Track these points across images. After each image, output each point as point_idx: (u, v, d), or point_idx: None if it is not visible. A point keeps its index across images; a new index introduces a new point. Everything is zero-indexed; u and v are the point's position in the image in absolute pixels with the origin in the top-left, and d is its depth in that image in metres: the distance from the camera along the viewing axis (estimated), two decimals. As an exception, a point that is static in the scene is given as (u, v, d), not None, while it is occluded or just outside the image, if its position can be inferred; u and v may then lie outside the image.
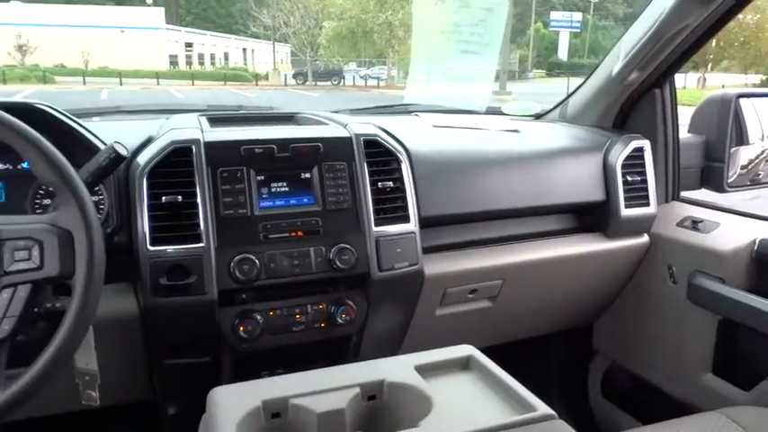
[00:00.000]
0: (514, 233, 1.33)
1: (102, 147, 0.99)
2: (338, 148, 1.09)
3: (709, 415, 1.03)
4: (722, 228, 1.30)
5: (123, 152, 0.87)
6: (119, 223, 1.00)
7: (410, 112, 1.61)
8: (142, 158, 0.99)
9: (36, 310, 0.77)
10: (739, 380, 1.23)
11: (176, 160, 0.99)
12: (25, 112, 0.79)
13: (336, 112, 1.45)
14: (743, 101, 1.47)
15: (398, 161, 1.13)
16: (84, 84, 18.57)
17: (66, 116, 1.02)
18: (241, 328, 1.02)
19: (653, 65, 1.33)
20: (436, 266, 1.19)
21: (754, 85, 19.10)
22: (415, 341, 1.25)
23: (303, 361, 1.05)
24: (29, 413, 1.03)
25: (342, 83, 21.16)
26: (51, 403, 1.05)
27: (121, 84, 18.35)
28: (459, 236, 1.28)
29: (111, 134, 1.05)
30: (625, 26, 1.40)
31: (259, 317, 1.03)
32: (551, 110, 1.66)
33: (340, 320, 1.07)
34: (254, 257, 1.00)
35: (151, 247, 0.96)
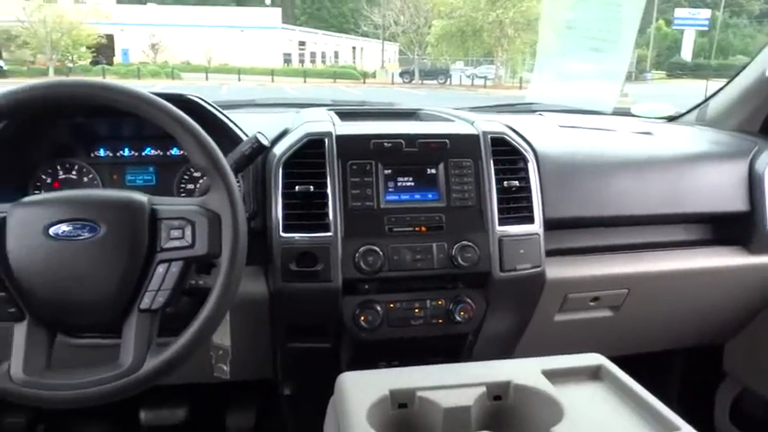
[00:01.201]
0: (644, 241, 1.25)
1: (243, 137, 1.05)
2: (465, 145, 1.09)
3: None
4: None
5: (265, 142, 0.92)
6: (254, 210, 1.06)
7: (533, 111, 1.58)
8: (278, 149, 1.04)
9: (185, 285, 0.83)
10: None
11: (310, 152, 1.03)
12: (180, 102, 0.86)
13: (458, 109, 1.45)
14: None
15: (525, 160, 1.11)
16: (207, 80, 19.89)
17: (215, 107, 1.09)
18: (362, 318, 1.05)
19: None
20: (559, 270, 1.15)
21: None
22: (530, 346, 1.22)
23: (418, 355, 1.06)
24: (163, 381, 1.12)
25: (448, 82, 21.09)
26: (185, 373, 1.14)
27: (239, 80, 19.45)
28: (584, 240, 1.23)
29: (248, 126, 1.11)
30: (761, 24, 1.28)
31: (379, 308, 1.05)
32: (687, 112, 1.56)
33: (458, 318, 1.07)
34: (378, 249, 1.02)
35: (283, 234, 1.00)
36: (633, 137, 1.34)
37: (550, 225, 1.14)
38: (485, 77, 20.95)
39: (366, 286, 1.06)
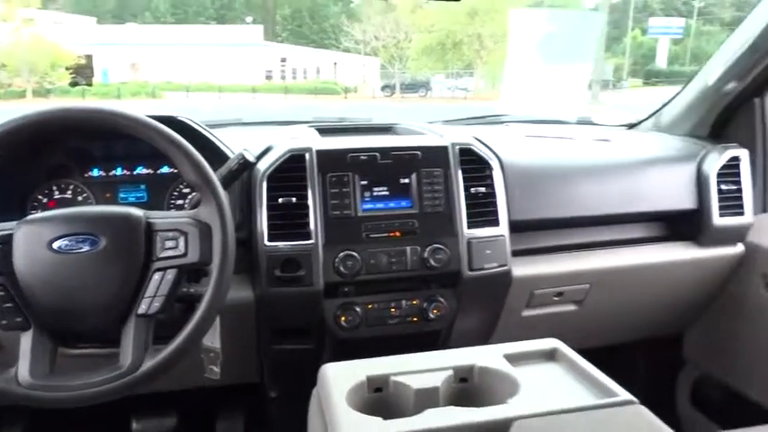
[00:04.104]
0: (604, 239, 1.36)
1: (230, 154, 1.14)
2: (435, 156, 1.18)
3: None
4: None
5: (251, 158, 1.01)
6: (241, 221, 1.14)
7: (502, 123, 1.68)
8: (263, 164, 1.13)
9: (177, 292, 0.90)
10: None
11: (292, 166, 1.12)
12: (172, 124, 0.94)
13: (431, 123, 1.55)
14: None
15: (490, 168, 1.20)
16: (188, 98, 19.88)
17: (203, 127, 1.18)
18: (342, 318, 1.13)
19: (752, 75, 1.32)
20: (524, 269, 1.24)
21: None
22: (500, 340, 1.30)
23: (396, 352, 1.14)
24: (156, 387, 1.19)
25: (429, 94, 21.31)
26: (176, 378, 1.21)
27: (220, 98, 19.48)
28: (548, 240, 1.32)
29: (234, 143, 1.20)
30: (732, 31, 1.40)
31: (358, 309, 1.14)
32: (645, 119, 1.67)
33: (431, 316, 1.16)
34: (356, 254, 1.11)
35: (268, 243, 1.09)
36: (593, 144, 1.45)
37: (517, 227, 1.23)
38: (465, 89, 21.20)
39: (346, 289, 1.14)
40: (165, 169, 1.23)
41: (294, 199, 1.11)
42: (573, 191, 1.29)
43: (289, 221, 1.10)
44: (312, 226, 1.10)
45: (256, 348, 1.23)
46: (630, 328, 1.51)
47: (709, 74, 1.40)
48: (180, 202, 1.23)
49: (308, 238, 1.10)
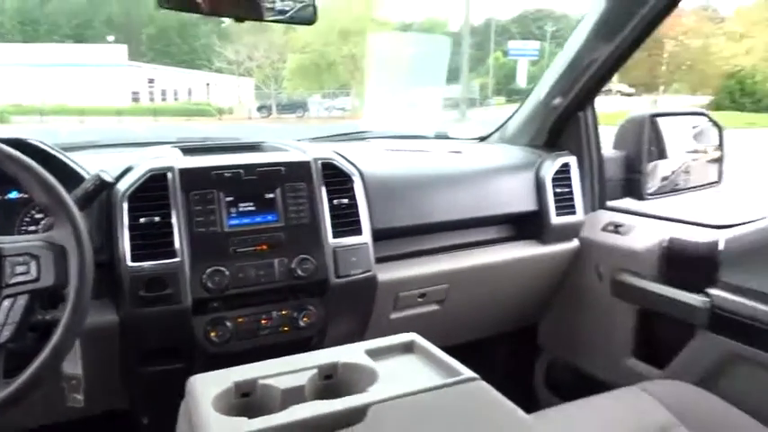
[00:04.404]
0: (459, 242, 1.48)
1: (86, 176, 1.11)
2: (299, 171, 1.24)
3: (626, 389, 1.19)
4: (638, 230, 1.48)
5: (108, 179, 1.00)
6: (99, 244, 1.12)
7: (365, 139, 1.77)
8: (122, 185, 1.12)
9: (30, 319, 0.87)
10: (656, 360, 1.40)
11: (153, 185, 1.12)
12: (19, 146, 0.91)
13: (299, 140, 1.60)
14: (659, 120, 1.68)
15: (352, 181, 1.28)
16: (42, 122, 18.32)
17: (55, 149, 1.14)
18: (212, 334, 1.14)
19: (573, 91, 1.52)
20: (388, 273, 1.33)
21: (702, 106, 20.03)
22: None
23: None
24: (14, 423, 1.12)
25: (306, 115, 21.39)
26: (38, 413, 1.15)
27: (83, 121, 18.17)
28: (409, 246, 1.42)
29: (92, 166, 1.17)
30: None
31: (229, 323, 1.16)
32: (493, 133, 1.84)
33: (302, 324, 1.21)
34: (224, 269, 1.13)
35: (131, 264, 1.08)
36: (447, 156, 1.58)
37: (380, 235, 1.32)
38: (342, 109, 21.54)
39: (215, 304, 1.15)
40: (14, 194, 1.17)
41: (157, 218, 1.11)
42: (429, 199, 1.40)
43: (152, 241, 1.10)
44: (177, 244, 1.11)
45: (124, 373, 1.20)
46: (490, 322, 1.65)
47: (541, 91, 1.60)
48: (33, 228, 1.17)
49: (174, 256, 1.10)
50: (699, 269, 1.31)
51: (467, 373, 0.83)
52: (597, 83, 1.51)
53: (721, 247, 1.29)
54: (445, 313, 1.47)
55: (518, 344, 1.79)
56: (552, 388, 1.75)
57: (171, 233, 1.11)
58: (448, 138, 1.87)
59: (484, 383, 0.81)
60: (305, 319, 1.21)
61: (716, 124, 1.69)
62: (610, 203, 1.67)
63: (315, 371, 0.86)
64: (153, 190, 1.12)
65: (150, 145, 1.44)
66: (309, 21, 1.13)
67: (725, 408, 1.18)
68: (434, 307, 1.45)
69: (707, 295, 1.27)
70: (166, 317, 1.10)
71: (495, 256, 1.48)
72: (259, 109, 22.15)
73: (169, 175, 1.13)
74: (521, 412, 0.77)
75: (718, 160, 1.70)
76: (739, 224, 1.31)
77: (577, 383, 1.70)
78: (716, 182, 1.70)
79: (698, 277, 1.31)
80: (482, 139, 1.87)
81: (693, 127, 1.74)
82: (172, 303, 1.09)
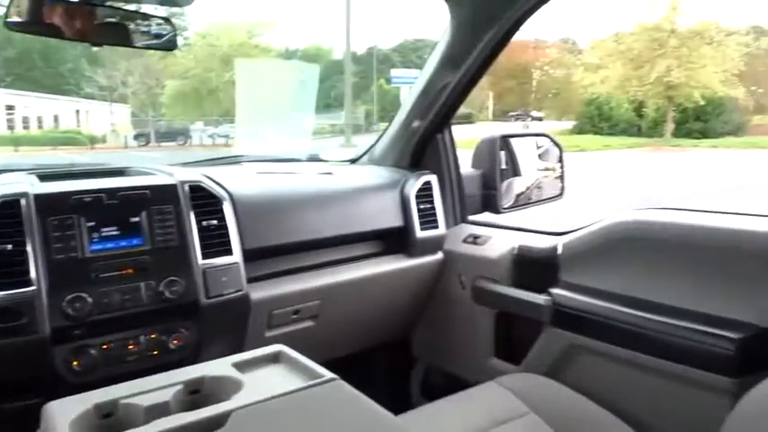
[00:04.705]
0: (331, 259, 1.54)
1: None
2: (165, 194, 1.24)
3: (484, 385, 1.31)
4: (493, 240, 1.63)
5: None
6: None
7: (238, 163, 1.80)
8: None
9: None
10: (513, 358, 1.54)
11: (5, 213, 1.08)
12: None
13: (171, 165, 1.60)
14: (512, 140, 1.86)
15: (221, 203, 1.30)
16: None
17: None
18: (74, 363, 1.11)
19: (431, 115, 1.66)
20: (261, 292, 1.36)
21: (567, 130, 21.97)
22: None
23: None
24: None
25: (188, 142, 20.66)
26: None
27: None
28: (282, 265, 1.46)
29: None
30: None
31: (93, 351, 1.13)
32: (363, 155, 1.94)
33: (172, 346, 1.20)
34: (85, 295, 1.10)
35: None
36: (317, 177, 1.65)
37: (252, 255, 1.35)
38: (226, 136, 21.07)
39: (77, 332, 1.12)
40: None
41: (10, 246, 1.06)
42: (300, 218, 1.45)
43: (5, 270, 1.05)
44: (33, 272, 1.07)
45: None
46: (365, 335, 1.72)
47: (403, 115, 1.72)
48: None
49: (29, 284, 1.06)
50: (543, 271, 1.47)
51: (327, 374, 0.88)
52: (451, 107, 1.65)
53: (560, 251, 1.45)
54: (320, 329, 1.52)
55: (394, 355, 1.88)
56: (428, 395, 1.85)
57: (25, 261, 1.07)
58: (320, 160, 1.94)
59: (344, 383, 0.87)
60: (175, 341, 1.21)
61: (557, 144, 1.91)
62: (471, 218, 1.82)
63: (180, 387, 0.87)
64: (5, 217, 1.08)
65: (3, 173, 1.38)
66: (171, 47, 1.15)
67: (570, 394, 1.33)
68: (309, 323, 1.50)
69: (549, 294, 1.42)
70: (22, 348, 1.06)
71: (366, 271, 1.56)
72: (136, 137, 21.07)
73: (23, 201, 1.10)
74: (379, 408, 0.84)
75: (561, 177, 1.91)
76: (574, 230, 1.49)
77: (450, 388, 1.80)
78: (559, 195, 1.90)
79: (542, 279, 1.47)
80: (353, 161, 1.96)
81: (538, 147, 1.95)
82: (28, 334, 1.05)
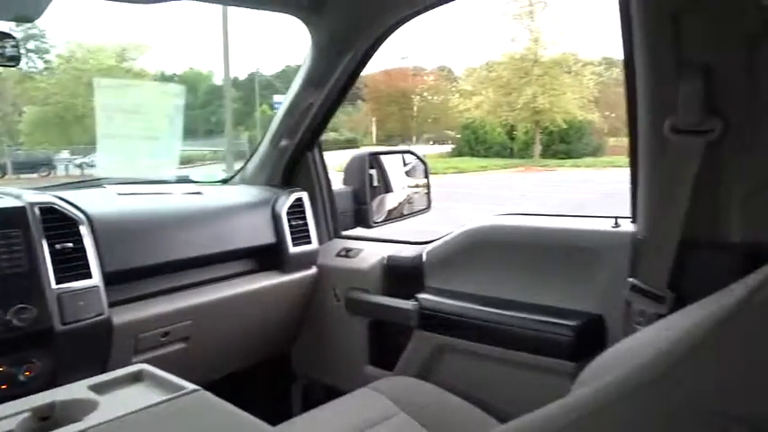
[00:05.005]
0: (202, 279, 1.52)
1: None
2: (11, 218, 1.17)
3: (358, 391, 1.35)
4: (364, 252, 1.70)
5: None
6: None
7: (99, 186, 1.72)
8: None
9: None
10: (387, 364, 1.60)
11: None
12: None
13: (24, 189, 1.50)
14: (382, 157, 1.95)
15: (76, 225, 1.25)
16: None
17: None
18: None
19: (299, 133, 1.70)
20: (125, 315, 1.31)
21: (447, 153, 23.05)
22: None
23: None
24: None
25: (52, 173, 19.07)
26: None
27: None
28: (149, 287, 1.42)
29: None
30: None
31: None
32: (234, 175, 1.94)
33: (22, 378, 1.13)
34: None
35: None
36: (185, 197, 1.62)
37: (116, 277, 1.30)
38: (94, 165, 19.72)
39: None
40: None
41: None
42: (167, 238, 1.42)
43: None
44: None
45: None
46: (244, 354, 1.70)
47: (272, 134, 1.75)
48: None
49: None
50: (410, 279, 1.56)
51: (189, 386, 0.88)
52: (318, 126, 1.71)
53: (425, 258, 1.55)
54: (194, 350, 1.48)
55: (274, 373, 1.87)
56: (307, 410, 1.85)
57: None
58: (189, 181, 1.91)
59: (208, 394, 0.87)
60: (27, 372, 1.13)
61: (422, 161, 2.03)
62: (344, 233, 1.87)
63: (27, 414, 0.83)
64: None
65: None
66: (13, 63, 1.10)
67: (437, 392, 1.41)
68: (180, 345, 1.46)
69: (416, 300, 1.50)
70: None
71: (239, 289, 1.55)
72: (-10, 168, 19.14)
73: None
74: (246, 415, 0.85)
75: (427, 190, 2.03)
76: (437, 239, 1.59)
77: (328, 401, 1.83)
78: (426, 208, 2.01)
79: (410, 286, 1.55)
80: (224, 181, 1.95)
81: (406, 164, 2.05)
82: None
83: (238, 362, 1.71)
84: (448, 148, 24.63)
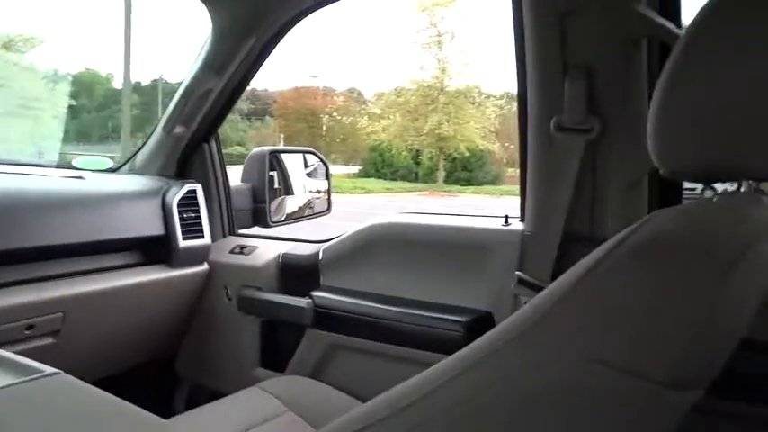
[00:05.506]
0: (79, 269, 1.40)
1: None
2: None
3: (245, 390, 1.29)
4: (259, 249, 1.64)
5: None
6: None
7: None
8: None
9: None
10: (279, 365, 1.54)
11: None
12: None
13: None
14: (283, 156, 1.90)
15: None
16: None
17: None
18: None
19: (195, 122, 1.63)
20: None
21: (354, 173, 23.22)
22: None
23: None
24: None
25: None
26: None
27: None
28: (16, 275, 1.28)
29: None
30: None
31: None
32: (123, 164, 1.82)
33: None
34: None
35: None
36: (63, 180, 1.49)
37: None
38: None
39: None
40: None
41: None
42: (36, 222, 1.29)
43: None
44: None
45: None
46: (125, 354, 1.57)
47: (165, 119, 1.66)
48: None
49: None
50: (305, 277, 1.52)
51: (48, 369, 0.79)
52: (217, 115, 1.64)
53: (321, 256, 1.52)
54: (65, 346, 1.35)
55: (158, 375, 1.75)
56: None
57: None
58: (71, 167, 1.77)
59: (68, 375, 0.79)
60: None
61: (323, 162, 2.01)
62: (241, 231, 1.80)
63: None
64: None
65: None
66: None
67: (328, 391, 1.38)
68: (48, 340, 1.32)
69: (311, 297, 1.47)
70: None
71: (120, 281, 1.44)
72: None
73: None
74: (112, 397, 0.78)
75: (328, 192, 2.01)
76: (333, 238, 1.56)
77: None
78: (327, 210, 1.99)
79: (305, 284, 1.51)
80: (112, 170, 1.82)
81: (308, 165, 2.03)
82: None
83: (118, 362, 1.58)
84: (355, 168, 24.80)
